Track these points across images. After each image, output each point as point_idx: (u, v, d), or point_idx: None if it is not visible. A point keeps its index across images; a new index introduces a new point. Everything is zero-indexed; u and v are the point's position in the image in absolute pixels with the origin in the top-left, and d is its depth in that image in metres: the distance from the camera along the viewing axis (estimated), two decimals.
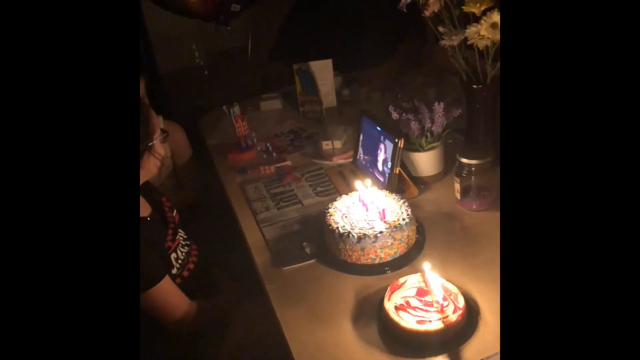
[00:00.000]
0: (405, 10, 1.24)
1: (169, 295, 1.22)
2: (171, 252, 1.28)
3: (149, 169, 1.24)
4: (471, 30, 1.16)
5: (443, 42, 1.23)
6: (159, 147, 1.25)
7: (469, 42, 1.18)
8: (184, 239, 1.36)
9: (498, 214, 1.15)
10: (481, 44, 1.16)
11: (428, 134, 1.35)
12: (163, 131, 1.27)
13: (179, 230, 1.36)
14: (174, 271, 1.27)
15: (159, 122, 1.30)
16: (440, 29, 1.25)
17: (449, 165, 1.39)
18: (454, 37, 1.20)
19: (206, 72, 2.47)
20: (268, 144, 1.68)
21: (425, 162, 1.37)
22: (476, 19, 1.17)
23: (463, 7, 1.18)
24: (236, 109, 1.65)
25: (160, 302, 1.20)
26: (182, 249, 1.32)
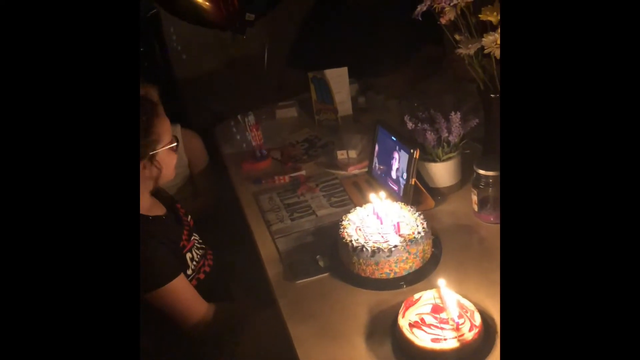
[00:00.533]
0: (420, 18, 1.22)
1: (185, 292, 1.22)
2: (186, 252, 1.27)
3: (142, 179, 1.21)
4: (488, 39, 1.13)
5: (459, 51, 1.21)
6: (166, 157, 1.23)
7: (485, 51, 1.15)
8: (199, 242, 1.35)
9: None
10: (498, 53, 1.13)
11: (445, 144, 1.32)
12: (175, 139, 1.26)
13: (194, 233, 1.35)
14: (189, 272, 1.27)
15: (173, 130, 1.28)
16: (457, 37, 1.22)
17: (466, 175, 1.36)
18: (470, 46, 1.18)
19: None
20: (282, 153, 1.67)
21: (442, 172, 1.35)
22: (493, 28, 1.14)
23: (480, 16, 1.16)
24: (251, 118, 1.64)
25: (175, 299, 1.20)
26: (197, 251, 1.32)
